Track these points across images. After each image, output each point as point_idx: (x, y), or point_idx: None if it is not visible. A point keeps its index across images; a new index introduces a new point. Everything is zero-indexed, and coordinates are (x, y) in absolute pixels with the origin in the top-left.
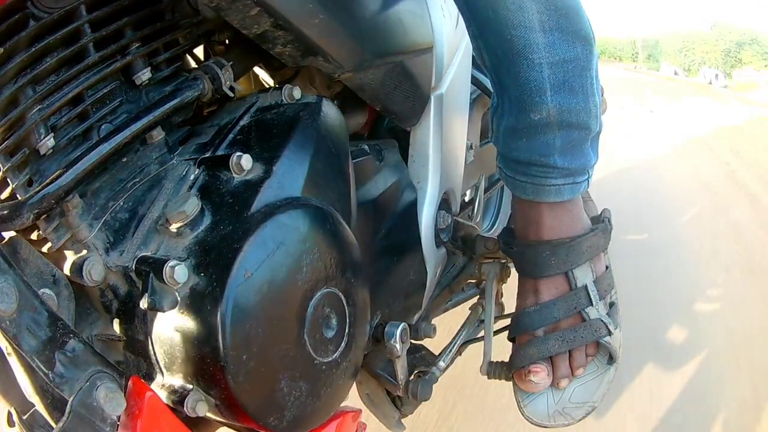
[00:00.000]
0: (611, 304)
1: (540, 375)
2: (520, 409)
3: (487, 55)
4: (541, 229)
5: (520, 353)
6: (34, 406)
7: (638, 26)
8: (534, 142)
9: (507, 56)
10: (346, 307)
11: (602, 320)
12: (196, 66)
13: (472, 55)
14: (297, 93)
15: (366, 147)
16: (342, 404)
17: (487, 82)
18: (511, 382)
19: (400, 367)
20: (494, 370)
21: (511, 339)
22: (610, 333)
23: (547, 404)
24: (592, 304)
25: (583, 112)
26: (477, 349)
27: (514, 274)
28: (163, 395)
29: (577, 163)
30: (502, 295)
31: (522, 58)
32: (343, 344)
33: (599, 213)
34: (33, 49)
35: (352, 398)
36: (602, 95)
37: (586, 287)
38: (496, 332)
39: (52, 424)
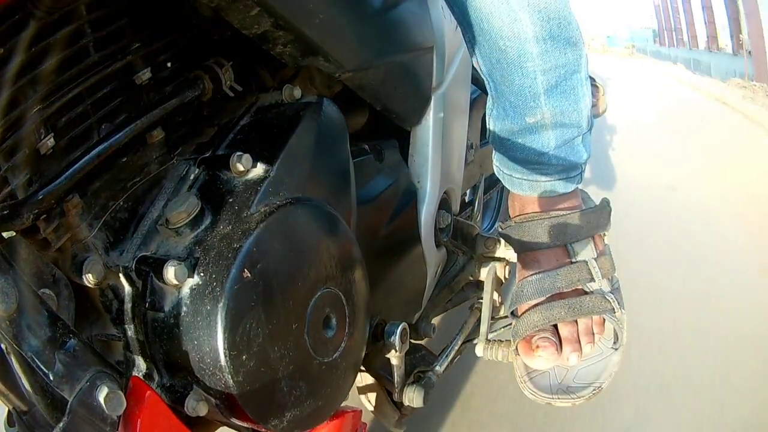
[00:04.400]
0: (614, 289)
1: (548, 349)
2: (521, 385)
3: (483, 62)
4: (542, 208)
5: (523, 321)
6: (34, 406)
7: None
8: (529, 142)
9: (501, 65)
10: (346, 307)
11: (606, 296)
12: (196, 66)
13: None
14: (297, 93)
15: (366, 147)
16: (342, 404)
17: None
18: (505, 361)
19: (397, 368)
20: (492, 348)
21: (512, 312)
22: (614, 310)
23: (550, 381)
24: (594, 280)
25: (575, 113)
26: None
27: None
28: (163, 395)
29: (570, 160)
30: (501, 299)
31: (516, 67)
32: (343, 344)
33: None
34: (33, 49)
35: (353, 398)
36: (603, 94)
37: (587, 263)
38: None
39: (53, 424)
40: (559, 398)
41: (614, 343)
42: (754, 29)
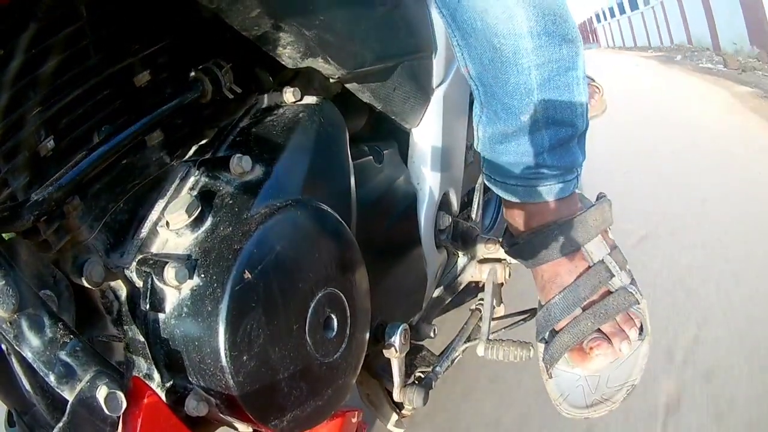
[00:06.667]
0: (633, 279)
1: (602, 346)
2: (557, 407)
3: (472, 64)
4: (543, 217)
5: (555, 345)
6: (34, 406)
7: None
8: (523, 142)
9: (495, 64)
10: (346, 308)
11: (628, 289)
12: (196, 68)
13: None
14: (297, 94)
15: (366, 148)
16: (342, 404)
17: None
18: (506, 360)
19: (398, 368)
20: (492, 348)
21: (540, 340)
22: (638, 301)
23: (584, 394)
24: (614, 275)
25: (569, 110)
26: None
27: (515, 274)
28: (163, 395)
29: (565, 161)
30: (501, 301)
31: (511, 64)
32: (343, 345)
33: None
34: (33, 50)
35: (353, 398)
36: (602, 95)
37: (603, 261)
38: (497, 330)
39: (53, 424)
40: (595, 410)
41: (640, 334)
42: None
